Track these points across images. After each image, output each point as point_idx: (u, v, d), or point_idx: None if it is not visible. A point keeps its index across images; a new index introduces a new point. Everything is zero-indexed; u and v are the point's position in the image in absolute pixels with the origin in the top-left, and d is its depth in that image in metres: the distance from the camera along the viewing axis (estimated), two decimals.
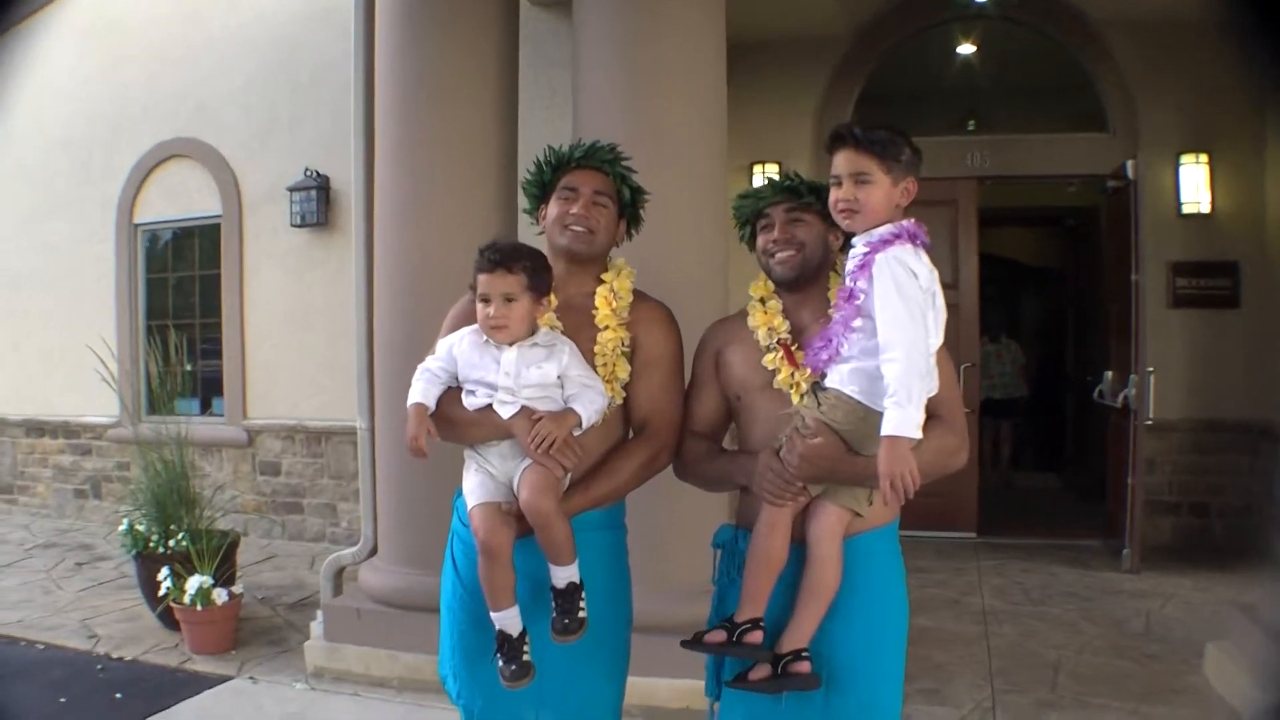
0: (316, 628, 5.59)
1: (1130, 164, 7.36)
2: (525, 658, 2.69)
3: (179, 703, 5.12)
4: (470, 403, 2.74)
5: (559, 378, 2.76)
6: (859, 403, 2.50)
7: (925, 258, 2.52)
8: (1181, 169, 7.91)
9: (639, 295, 2.98)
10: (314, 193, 8.42)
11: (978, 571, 7.30)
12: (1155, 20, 7.73)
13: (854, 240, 2.59)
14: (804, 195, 2.77)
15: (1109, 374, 8.04)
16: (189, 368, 8.36)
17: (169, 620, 5.99)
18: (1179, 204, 7.95)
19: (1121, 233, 7.78)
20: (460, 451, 2.83)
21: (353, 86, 6.00)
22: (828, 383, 2.57)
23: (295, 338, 8.74)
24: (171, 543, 6.15)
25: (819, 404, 2.55)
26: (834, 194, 2.58)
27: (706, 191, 5.03)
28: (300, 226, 8.52)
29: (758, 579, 2.63)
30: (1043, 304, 12.09)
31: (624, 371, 2.89)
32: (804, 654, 2.59)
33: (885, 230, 2.52)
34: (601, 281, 2.96)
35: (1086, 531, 8.50)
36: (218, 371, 9.05)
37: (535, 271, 2.74)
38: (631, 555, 3.04)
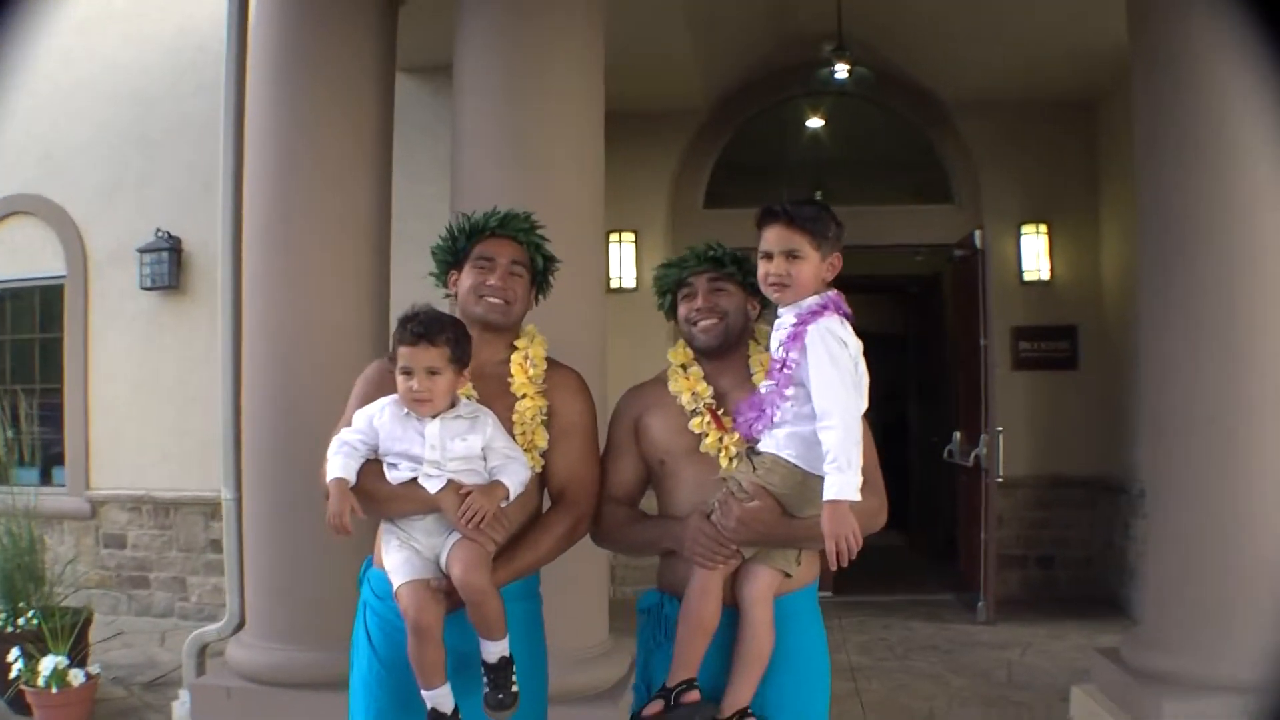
0: (180, 708, 5.37)
1: (978, 234, 7.73)
2: None
3: None
4: (394, 477, 2.68)
5: (483, 449, 2.74)
6: (796, 466, 2.58)
7: (849, 327, 2.61)
8: (1023, 238, 8.39)
9: (551, 362, 2.98)
10: (165, 254, 8.15)
11: (840, 629, 7.43)
12: (999, 100, 8.25)
13: (780, 311, 2.67)
14: (727, 265, 2.85)
15: (958, 434, 8.36)
16: (27, 435, 7.94)
17: (18, 705, 5.64)
18: (1020, 271, 8.42)
19: (968, 299, 8.14)
20: (352, 523, 2.72)
21: (221, 148, 5.86)
22: (762, 447, 2.64)
23: (143, 404, 8.40)
24: (21, 621, 5.82)
25: (754, 468, 2.61)
26: (764, 268, 2.66)
27: (587, 256, 5.06)
28: (151, 289, 8.22)
29: (691, 644, 2.65)
30: (885, 369, 12.42)
31: (543, 440, 2.88)
32: (748, 713, 2.63)
33: (813, 302, 2.61)
34: (514, 348, 2.95)
35: (938, 586, 8.82)
36: (58, 439, 8.63)
37: (458, 343, 2.70)
38: None
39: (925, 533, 10.80)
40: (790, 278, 2.61)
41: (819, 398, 2.50)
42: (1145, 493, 5.97)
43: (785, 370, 2.58)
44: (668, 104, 8.39)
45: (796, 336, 2.56)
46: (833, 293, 2.65)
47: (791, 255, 2.61)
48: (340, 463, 2.66)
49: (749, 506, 2.57)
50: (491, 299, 2.88)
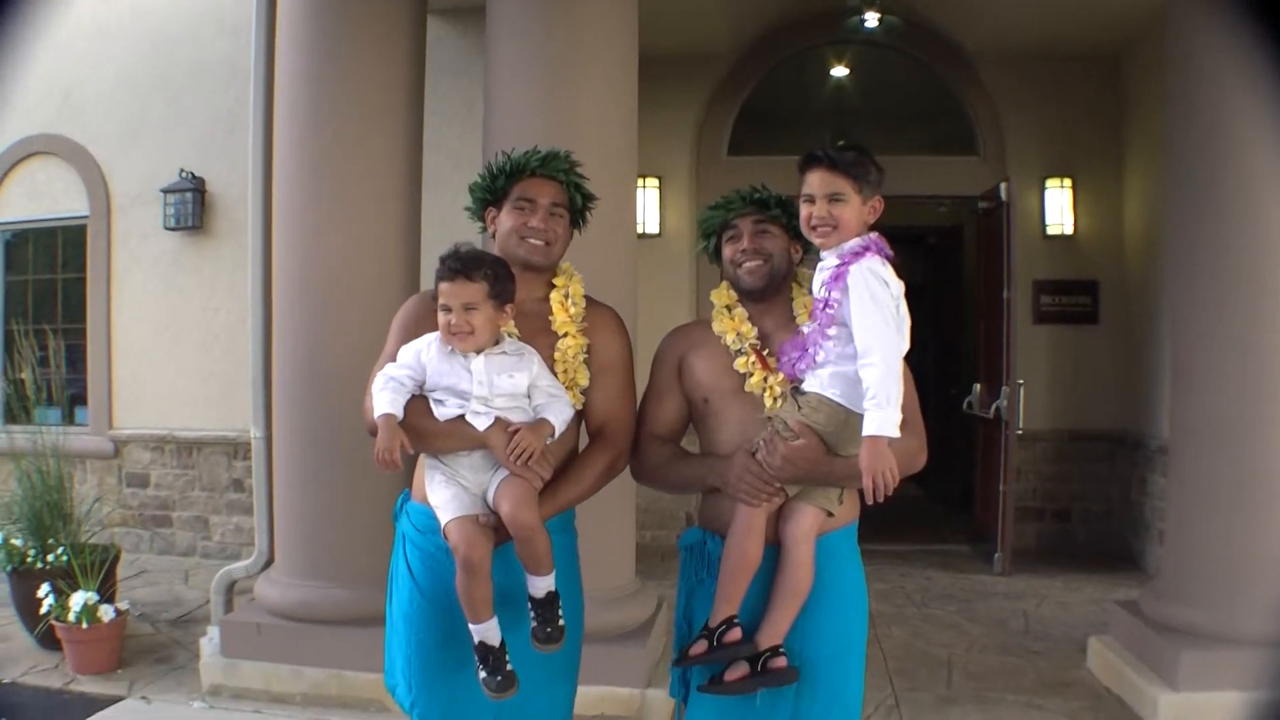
0: (208, 644, 5.43)
1: (1004, 186, 7.69)
2: (508, 668, 2.69)
3: None
4: (441, 414, 2.71)
5: (528, 387, 2.78)
6: (840, 405, 2.62)
7: (890, 269, 2.64)
8: (1047, 192, 8.34)
9: (589, 300, 3.01)
10: (189, 195, 8.16)
11: None
12: (1024, 51, 8.16)
13: (822, 254, 2.70)
14: (772, 208, 2.88)
15: (978, 386, 8.37)
16: (53, 375, 7.99)
17: (48, 640, 5.72)
18: (1044, 225, 8.37)
19: (991, 252, 8.13)
20: (372, 460, 2.75)
21: (252, 89, 5.86)
22: (806, 387, 2.68)
23: (166, 345, 8.44)
24: (50, 558, 5.89)
25: (799, 407, 2.65)
26: (806, 211, 2.69)
27: (620, 200, 5.07)
28: (174, 229, 8.24)
29: (734, 580, 2.70)
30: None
31: (584, 378, 2.91)
32: (780, 650, 2.69)
33: (855, 243, 2.64)
34: (553, 286, 2.98)
35: (955, 537, 8.87)
36: (81, 379, 8.69)
37: (497, 279, 2.72)
38: None
39: (942, 484, 10.84)
40: (833, 220, 2.65)
41: (860, 335, 2.54)
42: (1164, 448, 5.98)
43: (828, 310, 2.62)
44: (694, 49, 8.33)
45: (839, 276, 2.60)
46: (874, 235, 2.68)
47: (834, 198, 2.65)
48: (388, 398, 2.68)
49: (794, 445, 2.61)
50: (534, 240, 2.91)
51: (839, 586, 2.82)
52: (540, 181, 2.96)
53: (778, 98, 9.00)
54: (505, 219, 2.94)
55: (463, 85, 7.58)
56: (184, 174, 8.19)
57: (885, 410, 2.48)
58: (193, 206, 8.17)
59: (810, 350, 2.66)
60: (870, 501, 2.55)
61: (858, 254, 2.61)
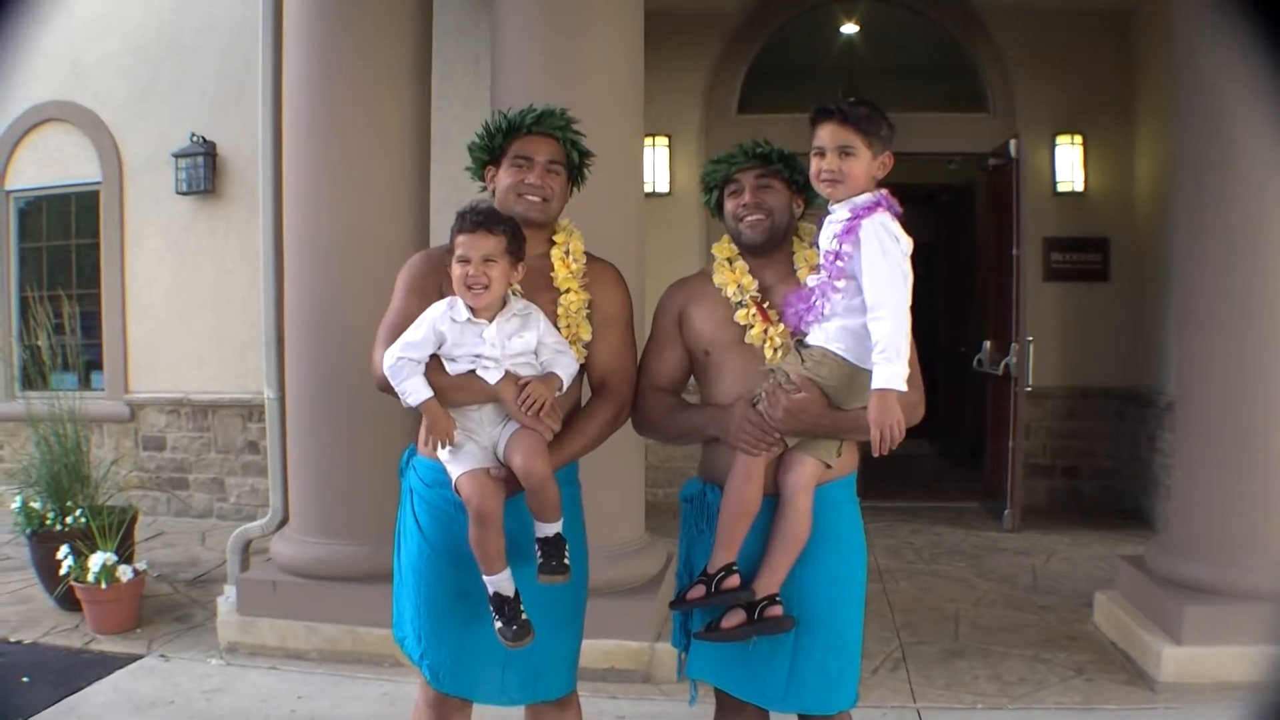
0: (225, 602, 5.50)
1: (1013, 143, 7.67)
2: (524, 617, 2.75)
3: (92, 684, 4.97)
4: (453, 369, 2.77)
5: (536, 345, 2.82)
6: (845, 360, 2.66)
7: (899, 225, 2.66)
8: (1057, 149, 8.32)
9: (589, 256, 3.06)
10: (200, 159, 8.20)
11: (867, 533, 7.41)
12: (1035, 7, 8.13)
13: (833, 207, 2.73)
14: (774, 162, 2.91)
15: (988, 343, 8.39)
16: (68, 340, 8.06)
17: (68, 601, 5.82)
18: (1054, 182, 8.36)
19: (1001, 209, 8.12)
20: (383, 419, 2.80)
21: (260, 49, 5.84)
22: (810, 340, 2.71)
23: (179, 308, 8.52)
24: (69, 520, 5.97)
25: (802, 360, 2.68)
26: (817, 164, 2.73)
27: (626, 158, 5.09)
28: (186, 194, 8.28)
29: (733, 527, 2.76)
30: (916, 277, 12.38)
31: (587, 332, 2.97)
32: (776, 599, 2.74)
33: (867, 198, 2.67)
34: (553, 243, 3.03)
35: (965, 494, 8.92)
36: (97, 344, 8.76)
37: (514, 235, 2.79)
38: None
39: (951, 440, 10.88)
40: (842, 174, 2.68)
41: (871, 289, 2.57)
42: (1173, 405, 6.00)
43: (838, 263, 2.65)
44: (703, 7, 8.33)
45: (851, 230, 2.63)
46: (884, 191, 2.71)
47: (844, 152, 2.68)
48: (419, 383, 2.74)
49: (796, 398, 2.66)
50: (531, 197, 2.95)
51: (837, 537, 2.87)
52: (537, 139, 2.99)
53: (787, 55, 8.95)
54: (504, 177, 2.99)
55: (469, 45, 7.59)
56: (195, 138, 8.23)
57: (894, 364, 2.52)
58: (204, 170, 8.22)
59: (817, 303, 2.70)
60: (876, 454, 2.59)
61: (870, 208, 2.65)
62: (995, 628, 5.54)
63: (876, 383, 2.53)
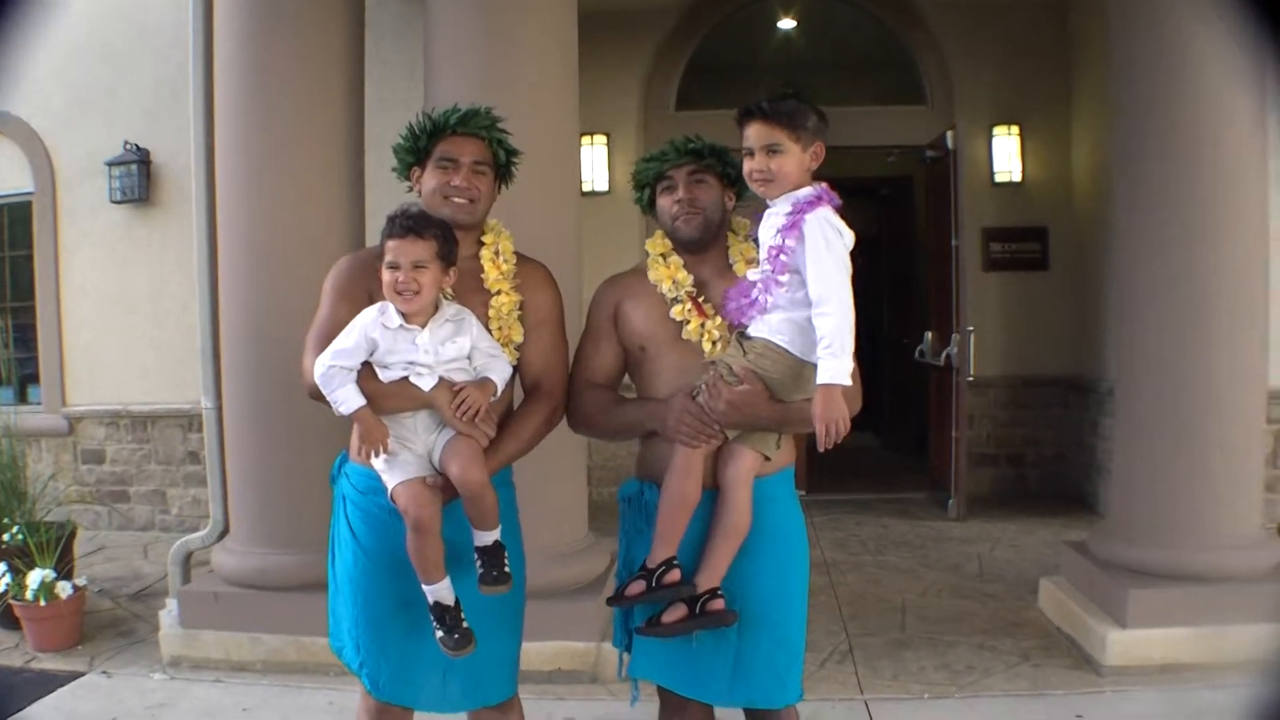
0: (168, 616, 5.42)
1: (950, 134, 7.74)
2: (465, 625, 2.73)
3: (33, 703, 4.88)
4: (386, 376, 2.74)
5: (470, 349, 2.80)
6: (788, 352, 2.67)
7: (840, 219, 2.68)
8: (995, 139, 8.38)
9: (519, 257, 3.04)
10: (135, 167, 8.05)
11: (814, 527, 7.54)
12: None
13: (773, 202, 2.73)
14: (707, 157, 2.90)
15: (929, 334, 8.45)
16: (3, 354, 7.92)
17: (7, 620, 5.70)
18: (992, 173, 8.42)
19: (939, 200, 8.19)
20: (323, 426, 2.77)
21: (191, 55, 5.76)
22: (753, 332, 2.71)
23: (117, 319, 8.36)
24: (5, 537, 5.86)
25: (744, 352, 2.68)
26: (748, 165, 2.74)
27: (563, 156, 5.08)
28: (121, 203, 8.14)
29: (672, 522, 2.74)
30: (857, 270, 12.46)
31: (519, 335, 2.95)
32: (718, 593, 2.73)
33: (808, 192, 2.69)
34: (482, 244, 3.00)
35: (911, 485, 8.98)
36: (33, 357, 8.59)
37: (445, 240, 2.75)
38: None
39: (897, 432, 10.95)
40: (772, 172, 2.69)
41: (816, 284, 2.57)
42: (1114, 391, 6.07)
43: (781, 257, 2.64)
44: (638, 4, 8.33)
45: (794, 225, 2.63)
46: (824, 184, 2.72)
47: (772, 150, 2.69)
48: (351, 390, 2.70)
49: (739, 390, 2.66)
50: (457, 199, 2.92)
51: (777, 529, 2.87)
52: (462, 139, 2.96)
53: (725, 51, 8.99)
54: (429, 179, 2.96)
55: (406, 47, 7.52)
56: (128, 146, 8.09)
57: (840, 359, 2.54)
58: (138, 179, 8.08)
59: (759, 296, 2.70)
60: (822, 449, 2.59)
61: (812, 203, 2.65)
62: (942, 617, 5.58)
63: (822, 378, 2.54)
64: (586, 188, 8.12)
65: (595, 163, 8.45)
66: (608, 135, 8.56)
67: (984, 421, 8.50)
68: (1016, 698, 4.57)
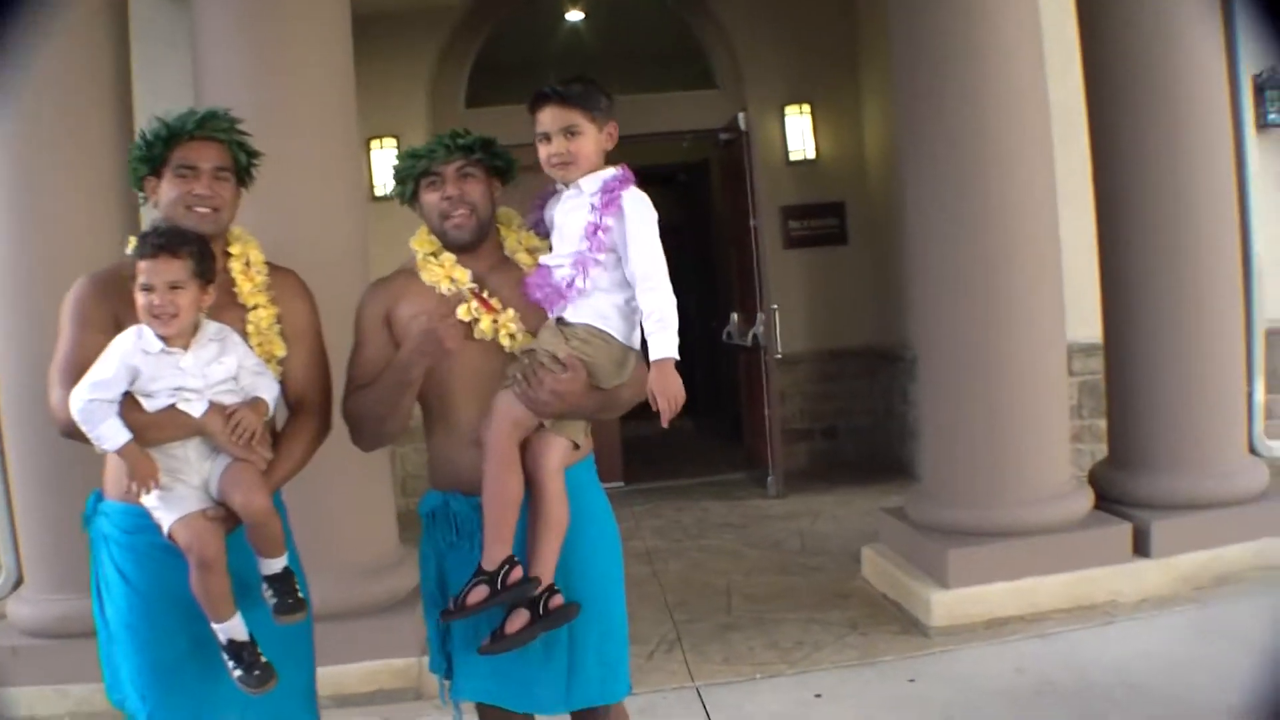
0: None
1: (741, 116, 7.80)
2: (263, 660, 2.55)
3: None
4: (151, 405, 2.52)
5: (237, 369, 2.63)
6: (613, 338, 2.62)
7: None
8: (787, 119, 8.50)
9: (270, 266, 2.85)
10: None
11: (634, 517, 7.51)
12: None
13: (578, 183, 2.66)
14: (475, 151, 2.77)
15: (735, 316, 8.53)
16: None
17: None
18: (786, 151, 8.54)
19: (736, 182, 8.25)
20: (112, 457, 2.58)
21: None
22: (572, 318, 2.63)
23: None
24: None
25: (565, 339, 2.60)
26: (544, 150, 2.67)
27: (344, 159, 4.87)
28: None
29: (501, 519, 2.60)
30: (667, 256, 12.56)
31: (281, 349, 2.77)
32: (555, 589, 2.62)
33: (617, 172, 2.65)
34: (229, 255, 2.79)
35: (729, 466, 9.03)
36: None
37: (202, 257, 2.54)
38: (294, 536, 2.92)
39: (712, 415, 11.06)
40: (572, 154, 2.64)
41: (639, 261, 2.55)
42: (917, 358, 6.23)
43: (600, 235, 2.58)
44: (419, 3, 8.11)
45: (612, 202, 2.58)
46: (623, 166, 2.68)
47: (569, 132, 2.64)
48: (114, 426, 2.47)
49: (563, 378, 2.56)
50: (200, 209, 2.69)
51: (590, 516, 2.79)
52: (200, 145, 2.73)
53: (513, 47, 8.86)
54: (168, 188, 2.71)
55: (181, 57, 7.14)
56: None
57: (668, 332, 2.53)
58: None
59: (576, 279, 2.61)
60: (665, 424, 2.55)
61: (622, 181, 2.62)
62: (767, 595, 5.58)
63: (655, 353, 2.51)
64: (378, 192, 7.90)
65: (386, 166, 8.22)
66: (397, 138, 8.31)
67: (795, 397, 8.63)
68: (848, 668, 4.58)
